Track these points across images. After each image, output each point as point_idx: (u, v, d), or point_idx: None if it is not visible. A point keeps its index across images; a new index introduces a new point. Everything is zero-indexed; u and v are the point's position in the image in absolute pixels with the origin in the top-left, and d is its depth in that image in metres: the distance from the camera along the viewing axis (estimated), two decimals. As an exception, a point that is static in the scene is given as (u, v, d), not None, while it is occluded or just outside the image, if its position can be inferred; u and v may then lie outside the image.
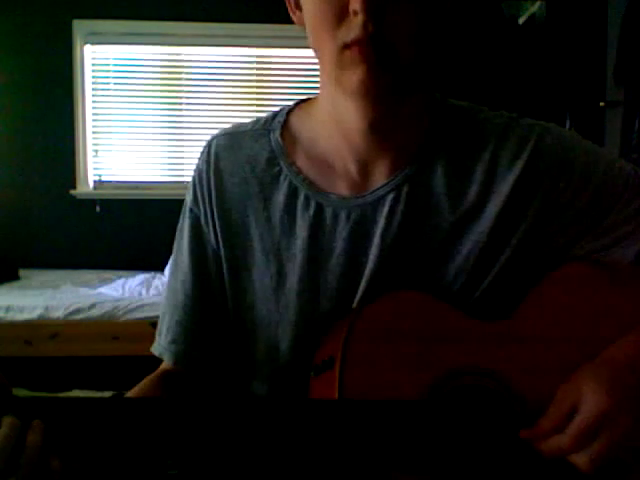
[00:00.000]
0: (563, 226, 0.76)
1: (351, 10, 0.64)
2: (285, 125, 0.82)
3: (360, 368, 0.67)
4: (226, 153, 0.81)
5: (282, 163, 0.79)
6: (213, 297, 0.82)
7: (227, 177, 0.80)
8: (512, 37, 3.68)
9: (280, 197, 0.78)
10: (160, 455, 0.61)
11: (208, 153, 0.82)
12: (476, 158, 0.76)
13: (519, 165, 0.75)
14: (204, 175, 0.81)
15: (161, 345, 0.84)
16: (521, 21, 3.65)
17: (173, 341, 0.83)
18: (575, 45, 3.40)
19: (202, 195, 0.81)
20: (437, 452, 0.65)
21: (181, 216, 0.85)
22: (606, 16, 3.37)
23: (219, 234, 0.80)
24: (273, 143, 0.80)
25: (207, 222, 0.81)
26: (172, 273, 0.85)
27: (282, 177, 0.78)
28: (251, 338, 0.80)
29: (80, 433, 0.60)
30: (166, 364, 0.85)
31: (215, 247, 0.81)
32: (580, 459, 0.64)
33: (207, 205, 0.81)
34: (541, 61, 3.50)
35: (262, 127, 0.82)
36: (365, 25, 0.64)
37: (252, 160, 0.80)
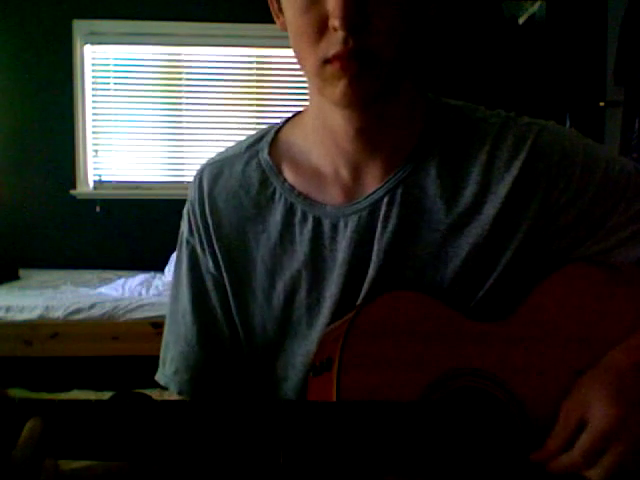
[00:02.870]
0: (564, 227, 0.74)
1: (331, 26, 0.63)
2: (273, 142, 0.81)
3: (358, 369, 0.66)
4: (218, 180, 0.81)
5: (275, 182, 0.79)
6: (216, 326, 0.81)
7: (222, 204, 0.80)
8: (512, 37, 3.68)
9: (277, 216, 0.78)
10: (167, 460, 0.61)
11: (200, 183, 0.82)
12: (472, 159, 0.75)
13: (517, 165, 0.73)
14: (197, 205, 0.81)
15: (166, 375, 0.84)
16: (521, 21, 3.65)
17: (176, 371, 0.82)
18: (575, 45, 3.40)
19: (197, 225, 0.81)
20: (434, 455, 0.64)
21: (177, 247, 0.84)
22: (606, 16, 3.37)
23: (220, 261, 0.79)
24: (263, 163, 0.80)
25: (204, 251, 0.80)
26: (172, 302, 0.85)
27: (277, 196, 0.78)
28: (266, 358, 0.80)
29: (80, 435, 0.60)
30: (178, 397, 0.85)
31: (216, 274, 0.80)
32: (593, 474, 0.63)
33: (203, 234, 0.80)
34: (541, 61, 3.50)
35: (250, 148, 0.82)
36: (346, 41, 0.63)
37: (245, 184, 0.80)
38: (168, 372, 0.83)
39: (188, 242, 0.82)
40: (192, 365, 0.82)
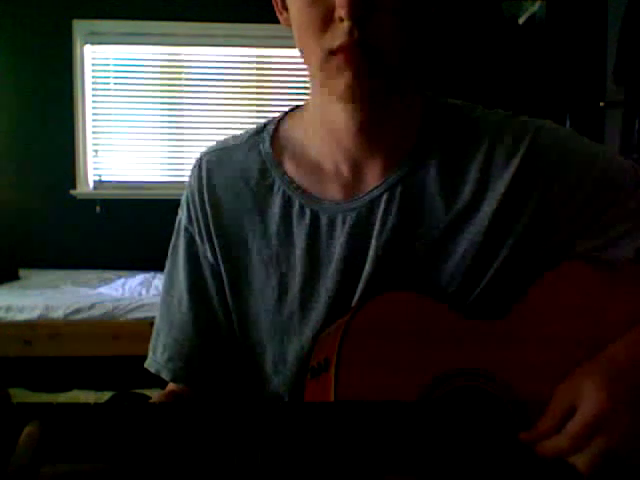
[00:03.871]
0: (561, 224, 0.75)
1: (337, 17, 0.64)
2: (275, 135, 0.81)
3: (356, 370, 0.66)
4: (218, 169, 0.81)
5: (274, 174, 0.79)
6: (212, 314, 0.81)
7: (221, 192, 0.80)
8: (512, 37, 3.68)
9: (275, 208, 0.78)
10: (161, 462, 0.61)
11: (199, 170, 0.82)
12: (470, 157, 0.75)
13: (515, 163, 0.74)
14: (196, 193, 0.81)
15: (157, 362, 0.83)
16: (521, 21, 3.65)
17: (170, 359, 0.82)
18: (575, 45, 3.39)
19: (196, 212, 0.81)
20: (433, 454, 0.64)
21: (174, 234, 0.84)
22: (606, 16, 3.37)
23: (217, 250, 0.79)
24: (264, 154, 0.80)
25: (202, 239, 0.80)
26: (166, 290, 0.84)
27: (275, 188, 0.78)
28: (258, 351, 0.80)
29: (78, 439, 0.60)
30: (172, 385, 0.84)
31: (214, 263, 0.80)
32: (579, 460, 0.63)
33: (202, 222, 0.80)
34: (541, 61, 3.49)
35: (251, 139, 0.82)
36: (351, 31, 0.64)
37: (245, 173, 0.80)
38: (160, 359, 0.83)
39: (187, 230, 0.82)
40: (186, 353, 0.82)
